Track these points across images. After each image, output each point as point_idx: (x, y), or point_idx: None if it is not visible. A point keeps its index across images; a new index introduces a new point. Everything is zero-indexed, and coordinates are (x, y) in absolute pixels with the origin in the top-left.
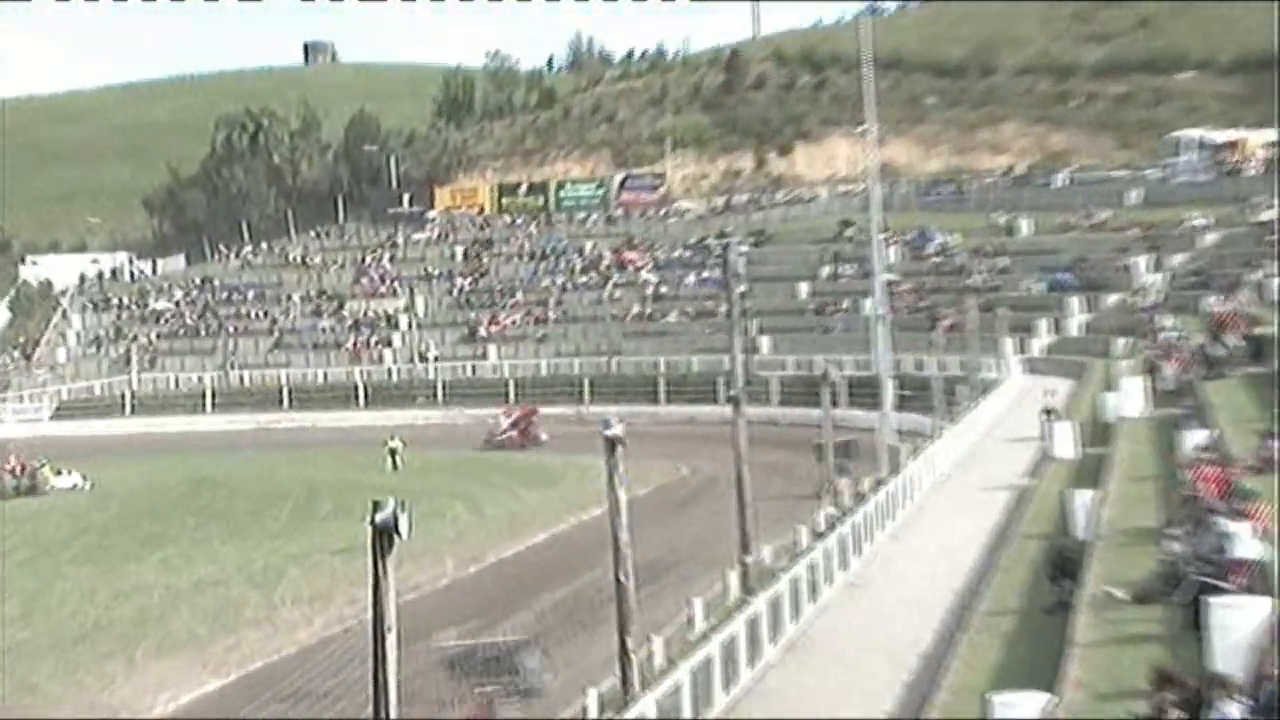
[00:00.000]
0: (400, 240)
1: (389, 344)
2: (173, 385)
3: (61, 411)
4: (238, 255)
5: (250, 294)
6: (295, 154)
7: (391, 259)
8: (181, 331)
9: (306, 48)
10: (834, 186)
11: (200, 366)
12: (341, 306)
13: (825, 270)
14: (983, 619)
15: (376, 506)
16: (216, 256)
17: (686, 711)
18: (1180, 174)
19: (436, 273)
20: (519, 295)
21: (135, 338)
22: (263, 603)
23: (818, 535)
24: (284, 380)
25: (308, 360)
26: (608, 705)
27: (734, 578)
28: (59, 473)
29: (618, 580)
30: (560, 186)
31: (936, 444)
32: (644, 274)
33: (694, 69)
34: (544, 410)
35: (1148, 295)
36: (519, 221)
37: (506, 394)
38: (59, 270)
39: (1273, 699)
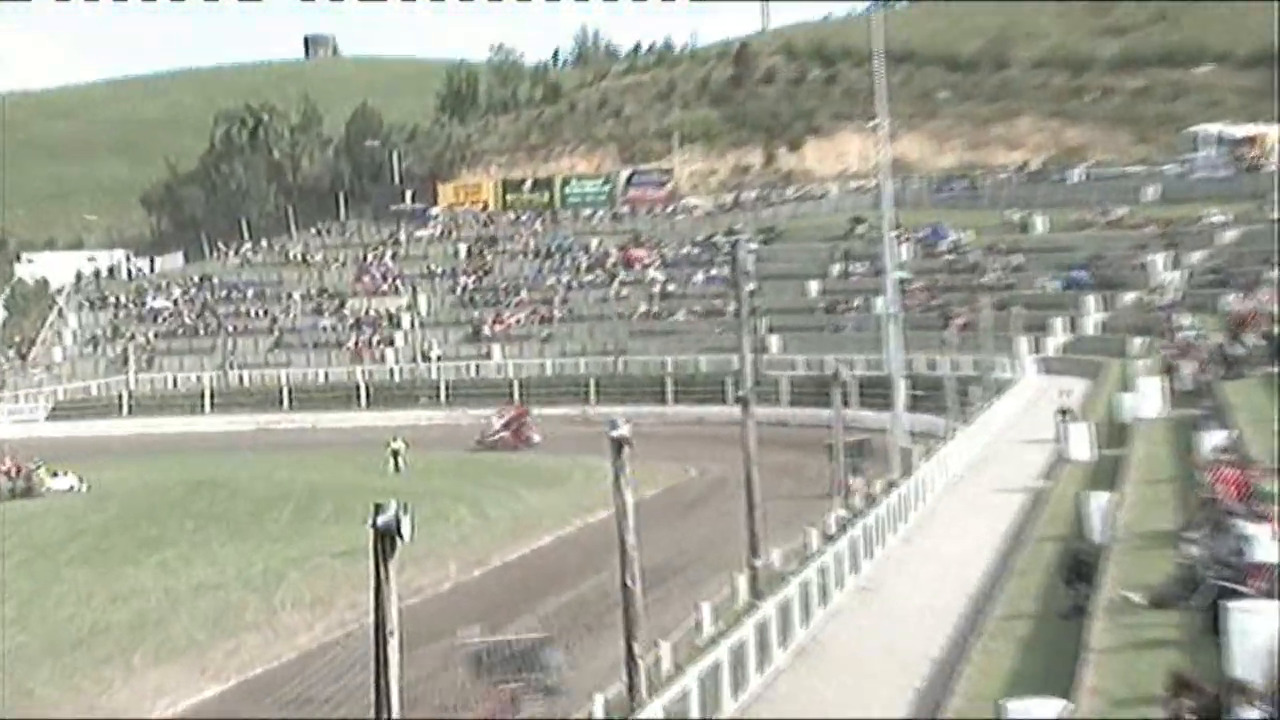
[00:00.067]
0: (403, 237)
1: (391, 343)
2: (171, 385)
3: (58, 412)
4: (237, 253)
5: (250, 292)
6: (296, 149)
7: (394, 256)
8: (180, 330)
9: (307, 41)
10: (845, 182)
11: (199, 366)
12: (343, 305)
13: (836, 268)
14: (997, 624)
15: (378, 509)
16: (215, 254)
17: (694, 717)
18: (1198, 169)
19: (439, 270)
20: (523, 293)
21: (133, 337)
22: (263, 607)
23: (828, 538)
24: (284, 380)
25: (308, 360)
26: (614, 711)
27: (743, 581)
28: (55, 474)
29: (624, 584)
30: (566, 183)
31: (949, 445)
32: (651, 272)
33: (702, 62)
34: (549, 411)
35: (1165, 293)
36: (524, 218)
37: (511, 394)
38: (55, 268)
39: None
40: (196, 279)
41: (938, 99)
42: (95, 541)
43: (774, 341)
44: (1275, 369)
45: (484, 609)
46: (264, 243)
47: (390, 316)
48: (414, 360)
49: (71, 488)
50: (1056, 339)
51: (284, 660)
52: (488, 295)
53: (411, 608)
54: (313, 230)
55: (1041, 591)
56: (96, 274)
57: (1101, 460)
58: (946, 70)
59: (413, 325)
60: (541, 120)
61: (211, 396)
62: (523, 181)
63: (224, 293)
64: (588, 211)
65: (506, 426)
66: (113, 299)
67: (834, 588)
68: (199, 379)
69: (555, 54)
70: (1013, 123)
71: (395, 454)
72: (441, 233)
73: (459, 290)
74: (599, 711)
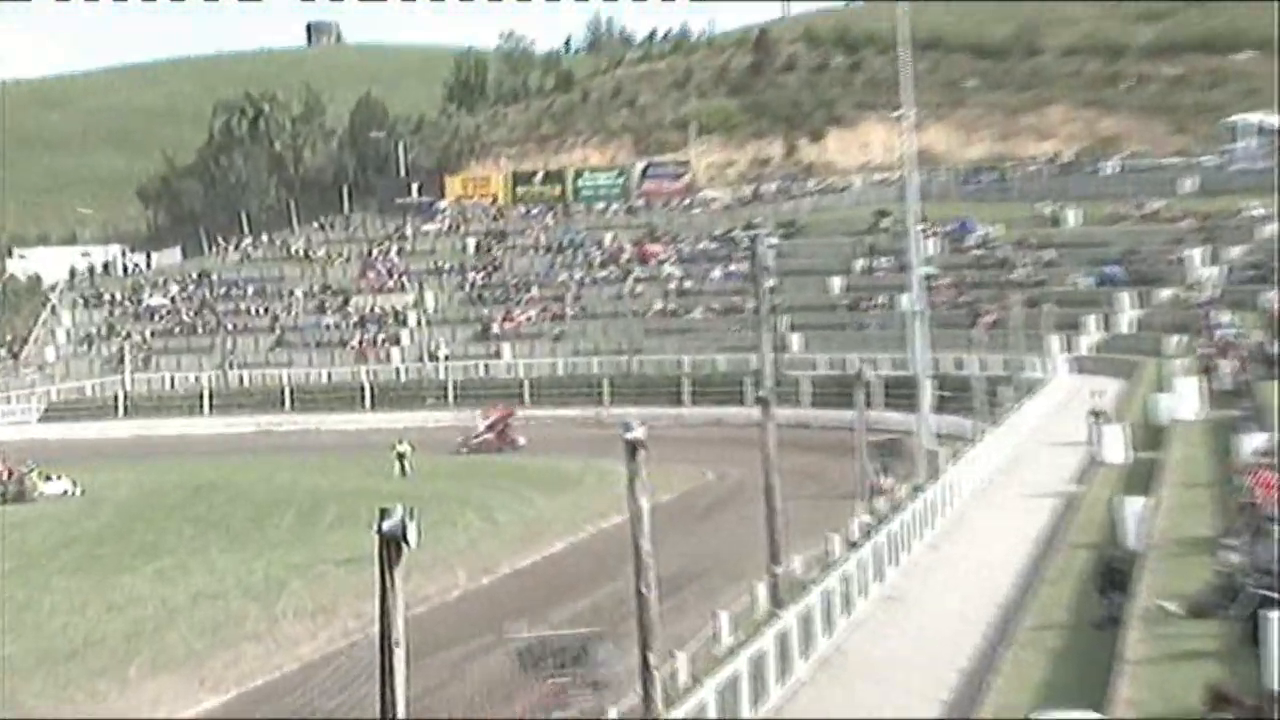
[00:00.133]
0: (409, 232)
1: (397, 342)
2: (168, 385)
3: (51, 413)
4: (237, 248)
5: (250, 289)
6: (297, 141)
7: (399, 252)
8: (177, 329)
9: (309, 28)
10: (869, 175)
11: (197, 366)
12: (347, 302)
13: (859, 264)
14: (1027, 634)
15: (383, 514)
16: (214, 249)
17: None
18: (1238, 161)
19: (447, 266)
20: (534, 290)
21: (128, 335)
22: (263, 616)
23: (852, 544)
24: (286, 380)
25: (311, 359)
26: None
27: (762, 590)
28: (48, 478)
29: (639, 592)
30: (578, 175)
31: (977, 448)
32: (667, 268)
33: (720, 50)
34: (560, 412)
35: (1203, 290)
36: (534, 212)
37: (521, 395)
38: (48, 264)
39: None
40: (195, 275)
41: (966, 87)
42: (89, 548)
43: (795, 340)
44: None
45: (493, 618)
46: (265, 237)
47: (396, 314)
48: (420, 360)
49: (65, 492)
50: (1089, 337)
51: (285, 671)
52: (497, 292)
53: (418, 617)
54: (315, 224)
55: (1074, 600)
56: (91, 270)
57: (1136, 464)
58: (975, 57)
59: (419, 323)
60: (553, 110)
61: (210, 397)
62: (533, 174)
63: (223, 289)
64: (601, 205)
65: (491, 428)
66: (108, 296)
67: (858, 596)
68: (197, 379)
69: (567, 41)
70: (1044, 112)
71: (401, 457)
72: (449, 227)
73: (467, 287)
74: None
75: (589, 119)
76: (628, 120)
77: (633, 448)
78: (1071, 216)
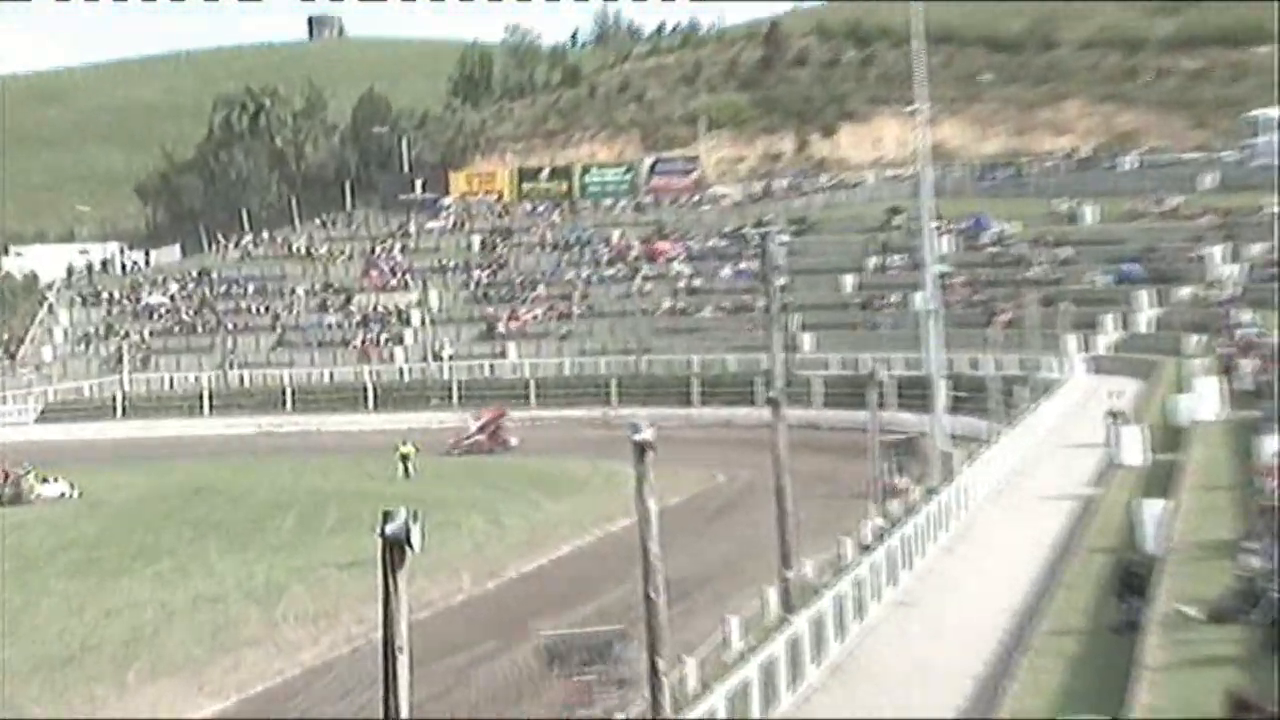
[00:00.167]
0: (412, 229)
1: (400, 341)
2: (167, 386)
3: (48, 414)
4: (237, 245)
5: (251, 287)
6: (299, 136)
7: (403, 249)
8: (177, 328)
9: (311, 21)
10: (881, 170)
11: (197, 365)
12: (349, 301)
13: (872, 261)
14: (1044, 640)
15: (387, 517)
16: (214, 247)
17: None
18: (1259, 156)
19: (451, 264)
20: (540, 289)
21: (127, 334)
22: (264, 621)
23: (864, 548)
24: (287, 380)
25: (312, 359)
26: None
27: (773, 594)
28: (45, 480)
29: (647, 597)
30: (585, 171)
31: (993, 449)
32: (676, 265)
33: (730, 43)
34: (567, 413)
35: (1224, 288)
36: (541, 209)
37: (527, 395)
38: (45, 262)
39: None
40: (194, 273)
41: (981, 81)
42: (87, 551)
43: (806, 339)
44: None
45: (499, 623)
46: (266, 235)
47: (399, 313)
48: (424, 359)
49: (62, 494)
50: (1107, 336)
51: (287, 677)
52: (502, 290)
53: (422, 622)
54: (317, 222)
55: (1091, 605)
56: (89, 268)
57: (1155, 466)
58: (990, 50)
59: (423, 322)
60: (559, 105)
61: (210, 398)
62: (540, 170)
63: (223, 288)
64: (608, 201)
65: (483, 429)
66: (106, 294)
67: (870, 601)
68: (197, 379)
69: (574, 35)
70: (1061, 106)
71: (405, 458)
72: (454, 224)
73: (472, 285)
74: None
75: (596, 114)
76: (635, 115)
77: (641, 449)
78: (1089, 213)
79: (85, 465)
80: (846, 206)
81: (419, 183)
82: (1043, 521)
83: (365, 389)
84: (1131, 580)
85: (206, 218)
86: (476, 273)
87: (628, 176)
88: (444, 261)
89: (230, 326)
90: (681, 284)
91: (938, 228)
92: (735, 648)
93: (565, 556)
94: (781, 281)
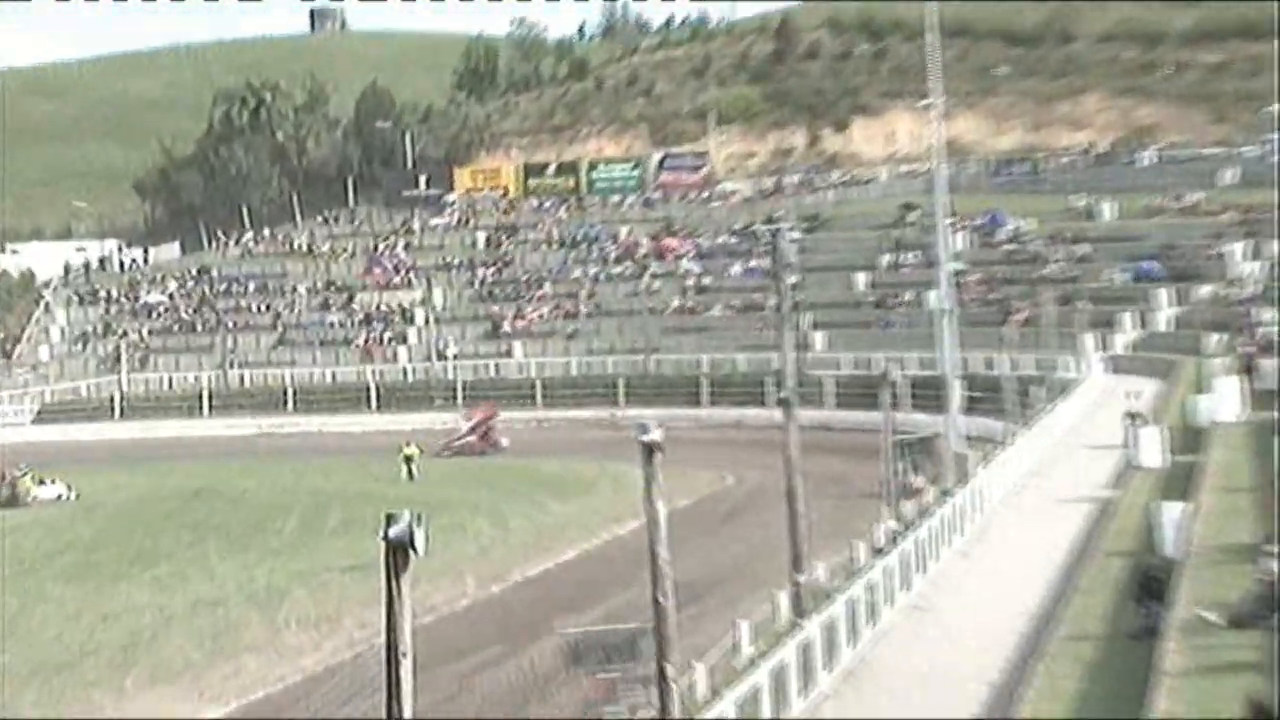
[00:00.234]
0: (416, 226)
1: (404, 340)
2: (166, 386)
3: (44, 415)
4: (238, 243)
5: (251, 285)
6: (301, 131)
7: (406, 247)
8: (176, 327)
9: (313, 14)
10: (895, 166)
11: (196, 365)
12: (351, 299)
13: (885, 259)
14: (1060, 645)
15: (390, 519)
16: (214, 244)
17: None
18: None
19: (456, 262)
20: (547, 287)
21: (125, 334)
22: (265, 625)
23: (877, 551)
24: (288, 380)
25: (314, 358)
26: None
27: (784, 599)
28: (41, 482)
29: (656, 601)
30: (592, 167)
31: (1008, 451)
32: (685, 263)
33: (740, 37)
34: (574, 414)
35: (1244, 286)
36: (547, 205)
37: (533, 395)
38: (42, 259)
39: None
40: (194, 271)
41: (996, 75)
42: (84, 555)
43: (818, 339)
44: None
45: (504, 628)
46: (266, 232)
47: (403, 311)
48: (428, 359)
49: (59, 496)
50: (1125, 336)
51: (288, 683)
52: (508, 289)
53: (426, 626)
54: (319, 218)
55: (1109, 611)
56: (86, 266)
57: (1174, 467)
58: (1006, 44)
59: (427, 321)
60: (566, 99)
61: (210, 398)
62: (546, 165)
63: (223, 286)
64: (616, 198)
65: (473, 430)
66: (104, 293)
67: (883, 606)
68: (196, 379)
69: (581, 27)
70: (1078, 101)
71: (408, 460)
72: (458, 221)
73: (477, 283)
74: None
75: (604, 108)
76: (644, 110)
77: (649, 451)
78: (1107, 210)
79: (83, 467)
80: (859, 203)
81: (423, 179)
82: (1059, 524)
83: (368, 389)
84: (1150, 585)
85: (206, 214)
86: (481, 270)
87: (636, 172)
88: (448, 259)
89: (230, 325)
90: (690, 282)
91: (952, 225)
92: (745, 653)
93: (572, 560)
94: (793, 279)
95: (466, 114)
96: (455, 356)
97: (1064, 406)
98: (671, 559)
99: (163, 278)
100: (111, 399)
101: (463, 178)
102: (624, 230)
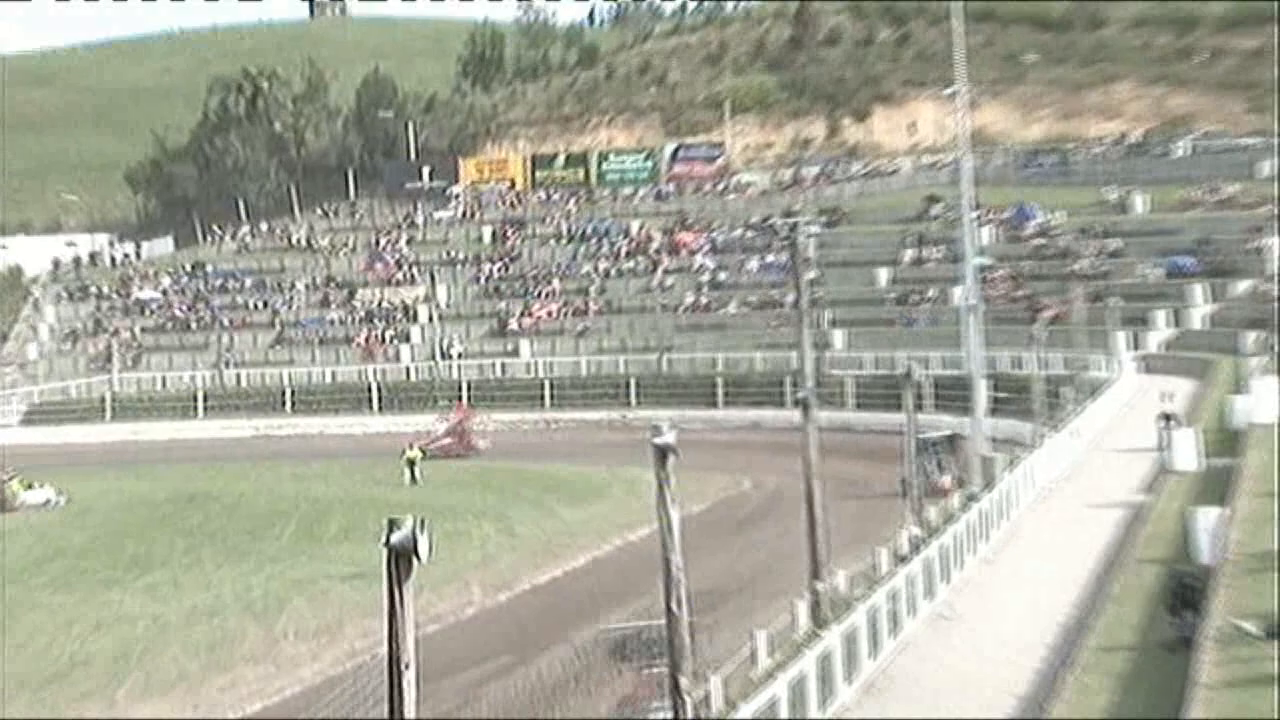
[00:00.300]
0: (419, 220)
1: (406, 339)
2: (159, 386)
3: (33, 416)
4: (233, 237)
5: (248, 281)
6: (299, 121)
7: (409, 241)
8: (169, 324)
9: None
10: (918, 157)
11: (191, 364)
12: (352, 296)
13: (908, 254)
14: (1092, 656)
15: (392, 525)
16: (209, 238)
17: None
18: None
19: (461, 257)
20: (555, 283)
21: (117, 331)
22: (262, 636)
23: (900, 559)
24: (286, 380)
25: (313, 357)
26: None
27: (803, 608)
28: (30, 486)
29: (669, 610)
30: (603, 158)
31: (1037, 454)
32: (699, 258)
33: (757, 22)
34: (584, 415)
35: None
36: (555, 198)
37: (541, 396)
38: (30, 254)
39: None
40: (188, 266)
41: (1024, 62)
42: (75, 562)
43: (838, 337)
44: None
45: (510, 638)
46: (264, 226)
47: (405, 309)
48: (432, 358)
49: (48, 501)
50: (1159, 334)
51: (286, 695)
52: (515, 285)
53: (429, 636)
54: (318, 212)
55: (1142, 620)
56: (76, 261)
57: (1210, 471)
58: (1034, 29)
59: (430, 319)
60: (576, 88)
61: (205, 398)
62: (554, 156)
63: (219, 282)
64: (628, 190)
65: (450, 432)
66: (94, 289)
67: (906, 615)
68: (191, 379)
69: (591, 13)
70: (1109, 89)
71: (411, 463)
72: (463, 214)
73: (482, 279)
74: None
75: (615, 97)
76: (656, 98)
77: (662, 453)
78: (1139, 202)
79: (73, 470)
80: (881, 195)
81: (426, 170)
82: (1090, 530)
83: (369, 389)
84: (1185, 593)
85: (201, 208)
86: (487, 266)
87: (648, 163)
88: (453, 254)
89: (226, 323)
90: (705, 278)
91: (978, 218)
92: (763, 664)
93: (582, 567)
94: (811, 275)
95: (472, 103)
96: (460, 355)
97: (1095, 408)
98: (685, 566)
99: (156, 273)
100: (102, 399)
101: (468, 169)
102: (636, 224)
